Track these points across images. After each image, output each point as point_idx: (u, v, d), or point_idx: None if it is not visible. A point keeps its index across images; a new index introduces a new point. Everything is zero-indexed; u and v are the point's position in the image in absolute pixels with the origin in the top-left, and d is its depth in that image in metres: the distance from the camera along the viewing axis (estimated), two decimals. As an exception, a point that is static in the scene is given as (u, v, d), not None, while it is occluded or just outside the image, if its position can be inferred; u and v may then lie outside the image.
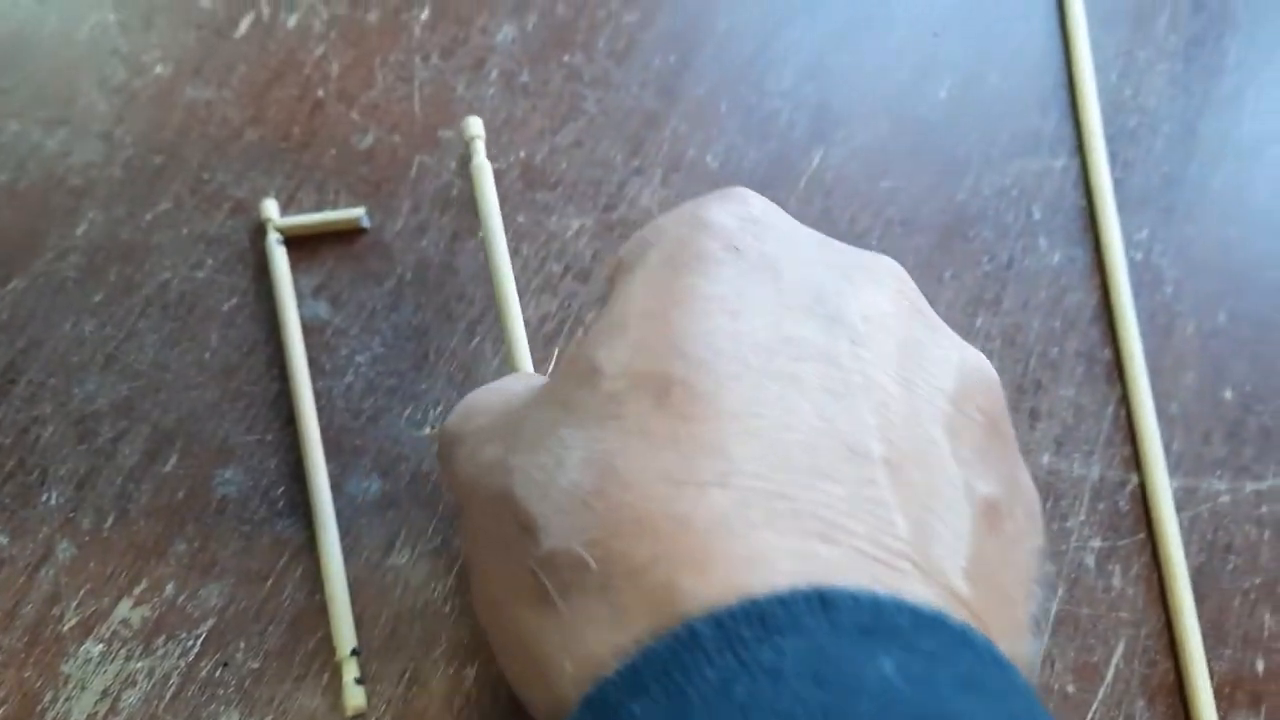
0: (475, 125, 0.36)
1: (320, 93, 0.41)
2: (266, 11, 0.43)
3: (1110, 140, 0.40)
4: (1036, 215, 0.39)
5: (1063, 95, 0.41)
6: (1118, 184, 0.39)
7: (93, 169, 0.40)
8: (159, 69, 0.42)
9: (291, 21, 0.43)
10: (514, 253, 0.38)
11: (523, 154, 0.40)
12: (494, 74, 0.42)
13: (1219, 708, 0.31)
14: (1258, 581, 0.33)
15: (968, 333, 0.36)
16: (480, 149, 0.35)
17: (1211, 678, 0.31)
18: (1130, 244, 0.38)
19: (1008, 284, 0.38)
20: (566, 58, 0.42)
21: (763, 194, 0.39)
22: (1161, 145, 0.40)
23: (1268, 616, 0.32)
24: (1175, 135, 0.41)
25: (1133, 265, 0.38)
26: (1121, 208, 0.39)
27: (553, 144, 0.40)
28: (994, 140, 0.41)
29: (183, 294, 0.37)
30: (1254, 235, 0.39)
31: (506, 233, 0.38)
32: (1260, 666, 0.32)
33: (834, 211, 0.39)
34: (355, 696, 0.31)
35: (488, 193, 0.33)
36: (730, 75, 0.42)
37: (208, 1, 0.43)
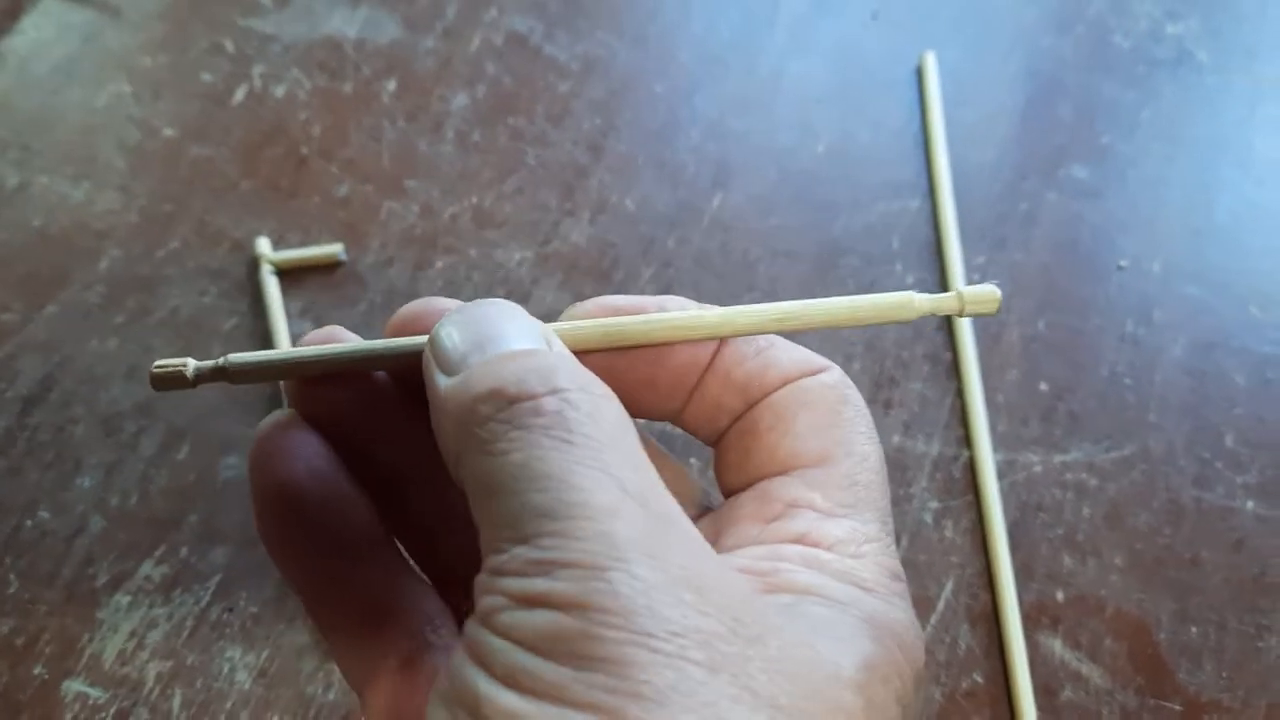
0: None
1: (304, 150, 0.49)
2: (258, 84, 0.51)
3: (956, 185, 0.49)
4: (895, 246, 0.48)
5: (919, 150, 0.50)
6: (961, 220, 0.48)
7: (112, 215, 0.47)
8: (167, 131, 0.50)
9: (279, 92, 0.51)
10: (465, 280, 0.46)
11: (474, 200, 0.48)
12: (450, 134, 0.50)
13: (1026, 628, 0.39)
14: (1060, 532, 0.41)
15: (836, 342, 0.45)
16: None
17: (1021, 606, 0.39)
18: (969, 268, 0.47)
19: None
20: (511, 120, 0.51)
21: (672, 232, 0.48)
22: (997, 189, 0.49)
23: (1066, 558, 0.40)
24: (1008, 181, 0.50)
25: (971, 285, 0.46)
26: (963, 240, 0.48)
27: (499, 191, 0.49)
28: (862, 186, 0.49)
29: (190, 316, 0.45)
30: (1068, 261, 0.47)
31: (461, 266, 0.46)
32: (1060, 596, 0.40)
33: (730, 245, 0.47)
34: (337, 632, 0.38)
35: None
36: (647, 135, 0.51)
37: (208, 75, 0.51)
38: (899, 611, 0.19)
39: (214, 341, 0.44)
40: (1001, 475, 0.42)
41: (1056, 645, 0.39)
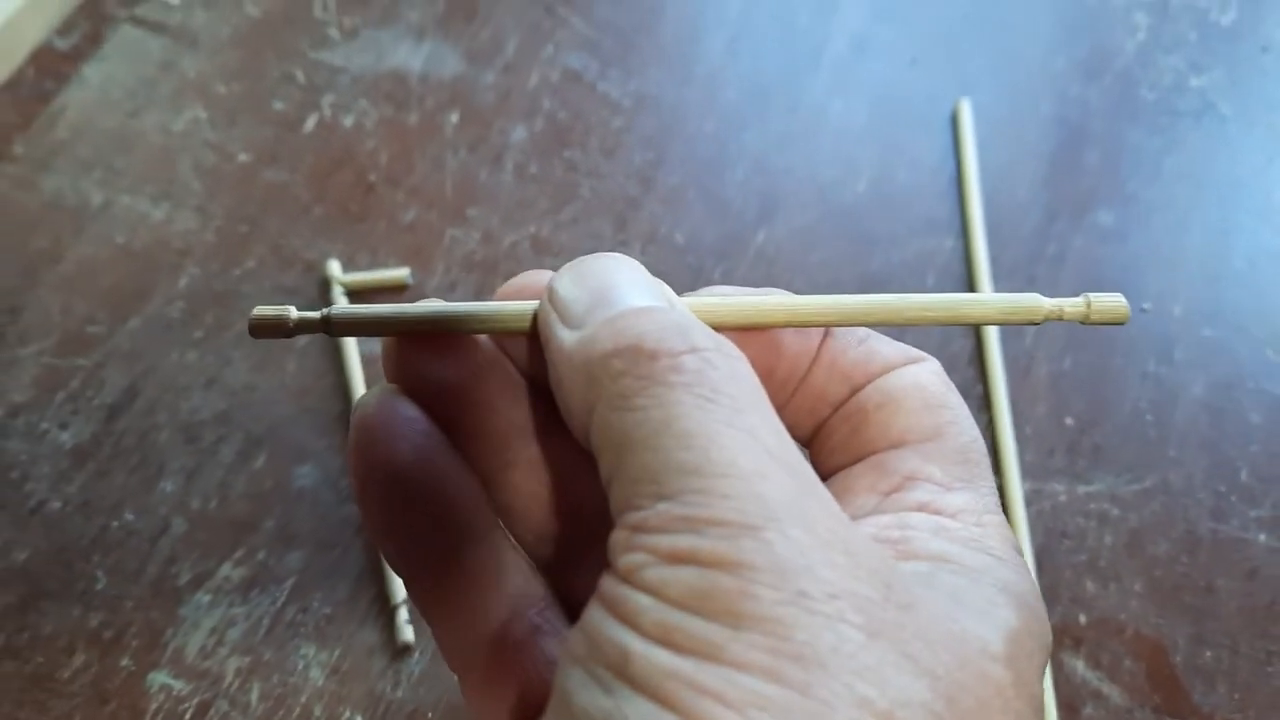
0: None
1: (372, 178, 0.52)
2: (328, 113, 0.54)
3: (988, 225, 0.52)
4: (931, 282, 0.50)
5: (953, 190, 0.53)
6: (993, 259, 0.51)
7: (191, 234, 0.50)
8: (242, 156, 0.53)
9: (348, 121, 0.54)
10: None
11: (532, 229, 0.51)
12: (509, 165, 0.53)
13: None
14: (1084, 558, 0.43)
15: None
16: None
17: (1046, 627, 0.42)
18: (1000, 306, 0.49)
19: (905, 335, 0.49)
20: (566, 153, 0.54)
21: (719, 264, 0.50)
22: (1028, 230, 0.52)
23: (1089, 583, 0.43)
24: (1038, 223, 0.52)
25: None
26: (995, 277, 0.50)
27: (556, 221, 0.51)
28: (900, 223, 0.52)
29: (266, 332, 0.48)
30: (1094, 301, 0.50)
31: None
32: (1083, 619, 0.42)
33: (775, 277, 0.50)
34: (405, 634, 0.41)
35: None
36: (695, 170, 0.53)
37: (280, 103, 0.54)
38: (1029, 583, 0.19)
39: (289, 357, 0.47)
40: (1029, 503, 0.44)
41: (1079, 665, 0.41)
